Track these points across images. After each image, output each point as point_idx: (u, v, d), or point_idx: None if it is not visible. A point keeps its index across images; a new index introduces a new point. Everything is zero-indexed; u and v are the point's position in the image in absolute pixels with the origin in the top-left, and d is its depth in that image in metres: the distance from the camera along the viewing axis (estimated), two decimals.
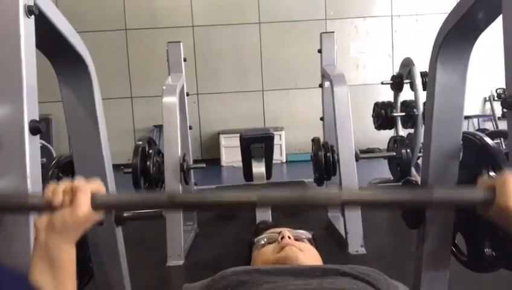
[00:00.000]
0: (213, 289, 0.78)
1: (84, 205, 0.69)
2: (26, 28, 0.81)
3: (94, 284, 1.23)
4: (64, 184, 0.71)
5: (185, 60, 2.45)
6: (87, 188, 0.70)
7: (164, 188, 2.12)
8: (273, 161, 2.98)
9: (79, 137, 1.18)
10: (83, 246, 1.23)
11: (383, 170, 3.26)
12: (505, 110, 0.89)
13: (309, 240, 0.96)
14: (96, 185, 0.72)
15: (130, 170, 2.04)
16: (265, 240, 0.94)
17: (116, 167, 1.46)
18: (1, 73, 0.80)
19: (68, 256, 0.71)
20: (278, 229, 0.95)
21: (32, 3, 0.82)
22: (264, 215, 2.32)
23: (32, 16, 0.82)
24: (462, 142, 1.18)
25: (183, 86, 2.40)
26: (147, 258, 2.05)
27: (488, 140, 1.09)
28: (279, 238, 0.90)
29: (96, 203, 0.70)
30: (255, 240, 0.96)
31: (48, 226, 0.69)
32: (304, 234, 0.96)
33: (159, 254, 2.01)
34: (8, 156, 0.81)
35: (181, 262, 1.97)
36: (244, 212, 2.59)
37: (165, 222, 1.97)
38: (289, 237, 0.90)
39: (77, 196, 0.69)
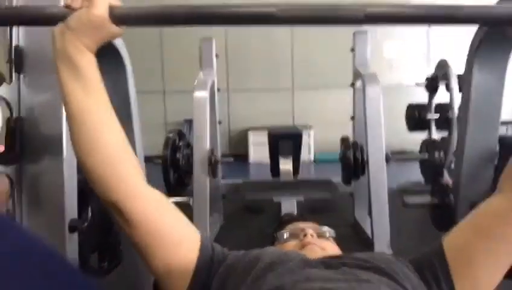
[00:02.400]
0: (244, 261, 0.78)
1: (101, 5, 0.69)
2: None
3: (123, 267, 1.27)
4: None
5: (216, 56, 2.48)
6: None
7: (192, 180, 2.16)
8: (301, 160, 2.97)
9: None
10: (113, 230, 1.27)
11: (415, 174, 3.18)
12: None
13: (333, 237, 0.95)
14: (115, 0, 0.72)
15: (160, 161, 2.09)
16: (287, 234, 0.94)
17: (147, 159, 1.50)
18: (43, 67, 0.83)
19: (87, 59, 0.71)
20: (301, 225, 0.94)
21: None
22: (289, 208, 2.33)
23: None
24: (498, 146, 1.14)
25: (214, 82, 2.43)
26: None
27: None
28: (302, 236, 0.90)
29: (114, 12, 0.70)
30: (278, 234, 0.95)
31: (64, 29, 0.69)
32: (328, 231, 0.95)
33: None
34: None
35: None
36: (268, 210, 2.60)
37: (191, 213, 2.00)
38: (311, 235, 0.89)
39: None
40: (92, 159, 0.71)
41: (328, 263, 0.76)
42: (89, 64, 0.72)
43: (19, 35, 0.80)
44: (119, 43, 1.11)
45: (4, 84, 0.80)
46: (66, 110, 0.72)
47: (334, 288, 0.66)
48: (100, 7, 0.69)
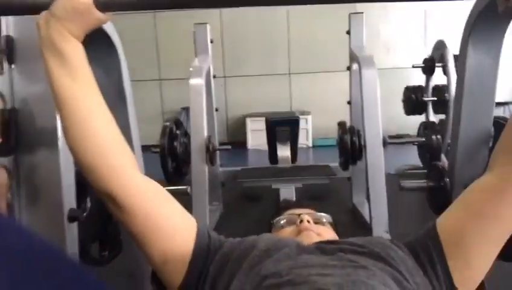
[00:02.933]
0: (240, 248, 0.79)
1: None
2: None
3: (123, 256, 1.28)
4: None
5: (211, 42, 2.46)
6: None
7: (190, 168, 2.16)
8: (299, 146, 2.98)
9: None
10: (112, 221, 1.28)
11: (413, 157, 3.19)
12: None
13: (330, 223, 0.95)
14: None
15: (157, 149, 2.09)
16: (284, 221, 0.94)
17: (145, 148, 1.50)
18: (34, 55, 0.82)
19: (73, 47, 0.70)
20: (298, 211, 0.95)
21: None
22: (287, 195, 2.34)
23: None
24: (493, 127, 1.15)
25: (209, 68, 2.41)
26: None
27: None
28: (298, 221, 0.90)
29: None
30: (275, 220, 0.96)
31: (48, 17, 0.69)
32: (325, 217, 0.95)
33: None
34: None
35: None
36: (267, 197, 2.61)
37: (191, 201, 2.01)
38: (308, 221, 0.90)
39: None
40: (82, 148, 0.71)
41: (323, 248, 0.76)
42: (75, 51, 0.71)
43: (9, 25, 0.79)
44: (110, 30, 1.09)
45: None
46: (54, 98, 0.71)
47: (330, 274, 0.66)
48: None
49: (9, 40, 0.79)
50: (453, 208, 0.79)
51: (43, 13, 0.70)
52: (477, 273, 0.74)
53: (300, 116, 3.38)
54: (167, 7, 0.75)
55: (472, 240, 0.73)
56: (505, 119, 1.16)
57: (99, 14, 0.71)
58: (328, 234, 0.89)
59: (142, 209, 0.73)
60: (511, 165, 0.72)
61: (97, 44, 1.12)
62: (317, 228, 0.89)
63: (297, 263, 0.70)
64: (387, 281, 0.66)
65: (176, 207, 0.78)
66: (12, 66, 0.80)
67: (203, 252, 0.76)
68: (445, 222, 0.77)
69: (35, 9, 0.71)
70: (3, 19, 0.79)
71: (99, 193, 0.73)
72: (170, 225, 0.75)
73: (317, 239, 0.83)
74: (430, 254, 0.74)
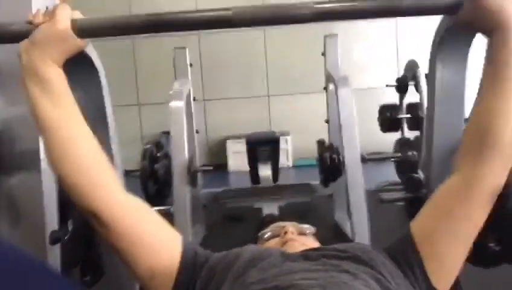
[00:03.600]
0: (224, 260, 0.80)
1: (63, 18, 0.72)
2: None
3: (106, 280, 1.26)
4: (43, 10, 0.74)
5: (191, 66, 2.50)
6: (66, 6, 0.74)
7: (172, 190, 2.15)
8: (280, 166, 3.01)
9: None
10: (94, 244, 1.26)
11: (390, 174, 3.26)
12: None
13: (313, 234, 0.98)
14: (77, 12, 0.75)
15: (137, 173, 2.08)
16: (269, 234, 0.96)
17: (124, 173, 1.49)
18: (14, 76, 0.83)
19: (55, 74, 0.73)
20: (282, 224, 0.97)
21: (44, 8, 0.86)
22: (271, 211, 2.35)
23: None
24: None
25: (189, 91, 2.44)
26: None
27: None
28: (282, 233, 0.92)
29: (76, 24, 0.73)
30: (260, 233, 0.98)
31: (29, 45, 0.72)
32: (308, 228, 0.98)
33: None
34: None
35: None
36: (250, 217, 2.61)
37: (173, 223, 1.99)
38: (292, 232, 0.92)
39: (56, 11, 0.72)
40: (64, 169, 0.73)
41: (307, 255, 0.79)
42: (56, 76, 0.74)
43: None
44: (92, 54, 1.11)
45: None
46: (36, 123, 0.74)
47: (314, 277, 0.68)
48: (62, 21, 0.72)
49: None
50: (424, 210, 0.83)
51: (24, 41, 0.73)
52: (450, 270, 0.78)
53: (280, 137, 3.42)
54: (143, 31, 0.79)
55: (443, 239, 0.76)
56: None
57: (77, 40, 0.75)
58: (312, 244, 0.92)
59: (126, 226, 0.73)
60: (474, 165, 0.77)
61: (78, 68, 1.13)
62: (301, 239, 0.91)
63: (282, 270, 0.72)
64: (370, 283, 0.69)
65: (160, 222, 0.79)
66: None
67: (189, 266, 0.77)
68: (418, 225, 0.81)
69: (16, 38, 0.74)
70: None
71: (83, 210, 0.73)
72: (155, 240, 0.76)
73: (301, 249, 0.85)
74: (407, 257, 0.77)
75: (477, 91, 0.82)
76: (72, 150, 0.72)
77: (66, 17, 0.73)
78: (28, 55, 0.72)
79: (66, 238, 1.03)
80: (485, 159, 0.76)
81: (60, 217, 0.96)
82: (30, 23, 0.72)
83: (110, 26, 0.79)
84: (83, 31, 0.74)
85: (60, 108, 0.73)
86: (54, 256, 0.91)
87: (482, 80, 0.80)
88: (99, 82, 1.15)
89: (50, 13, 0.73)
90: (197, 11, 0.78)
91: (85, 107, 1.24)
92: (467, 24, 0.76)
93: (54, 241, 0.87)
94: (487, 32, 0.77)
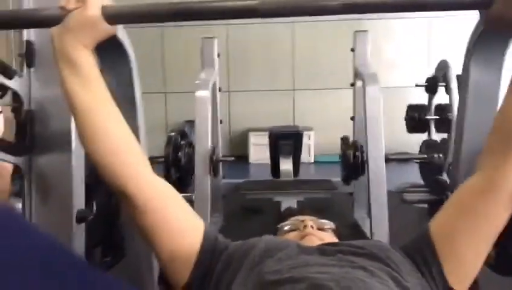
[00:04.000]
0: (241, 249, 0.81)
1: (94, 5, 0.75)
2: None
3: (126, 262, 1.29)
4: None
5: (218, 56, 2.50)
6: None
7: (193, 179, 2.18)
8: (301, 161, 3.00)
9: None
10: (116, 226, 1.29)
11: (414, 175, 3.20)
12: None
13: (333, 230, 0.97)
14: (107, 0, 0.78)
15: (161, 159, 2.11)
16: (288, 226, 0.96)
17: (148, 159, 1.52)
18: (49, 57, 0.86)
19: (86, 58, 0.76)
20: (302, 218, 0.97)
21: None
22: (290, 205, 2.36)
23: None
24: None
25: (215, 81, 2.45)
26: None
27: None
28: (302, 227, 0.92)
29: (106, 11, 0.76)
30: (279, 225, 0.98)
31: (61, 29, 0.75)
32: (328, 224, 0.97)
33: None
34: None
35: None
36: (268, 210, 2.62)
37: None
38: (312, 227, 0.92)
39: None
40: (96, 148, 0.76)
41: (323, 249, 0.79)
42: (87, 61, 0.77)
43: (30, 30, 0.83)
44: (124, 40, 1.13)
45: (15, 77, 0.83)
46: (68, 104, 0.77)
47: (329, 272, 0.68)
48: (93, 8, 0.75)
49: (29, 44, 0.83)
50: (444, 208, 0.81)
51: (57, 26, 0.76)
52: (469, 270, 0.77)
53: (303, 132, 3.40)
54: (171, 19, 0.80)
55: (463, 238, 0.75)
56: None
57: (107, 26, 0.78)
58: (331, 240, 0.91)
59: (153, 206, 0.76)
60: (497, 166, 0.75)
61: (111, 52, 1.15)
62: (320, 234, 0.91)
63: (298, 262, 0.73)
64: (385, 280, 0.68)
65: (185, 207, 0.80)
66: (31, 69, 0.83)
67: (208, 253, 0.78)
68: (437, 224, 0.80)
69: (49, 23, 0.77)
70: None
71: (113, 188, 0.76)
72: (179, 224, 0.78)
73: (319, 243, 0.85)
74: (424, 256, 0.77)
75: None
76: (102, 131, 0.75)
77: (97, 3, 0.76)
78: (60, 40, 0.75)
79: (90, 218, 1.06)
80: (510, 159, 0.74)
81: (85, 198, 0.99)
82: (63, 8, 0.75)
83: (139, 14, 0.82)
84: (113, 17, 0.77)
85: (91, 91, 0.76)
86: (80, 234, 0.94)
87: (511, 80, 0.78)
88: (130, 68, 1.17)
89: (82, 0, 0.76)
90: (224, 0, 0.79)
91: (115, 92, 1.27)
92: (499, 20, 0.72)
93: (80, 220, 0.90)
94: None
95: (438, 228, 0.78)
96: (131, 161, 0.76)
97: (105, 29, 0.78)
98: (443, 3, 0.77)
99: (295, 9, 0.79)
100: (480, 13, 0.73)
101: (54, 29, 0.76)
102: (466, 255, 0.75)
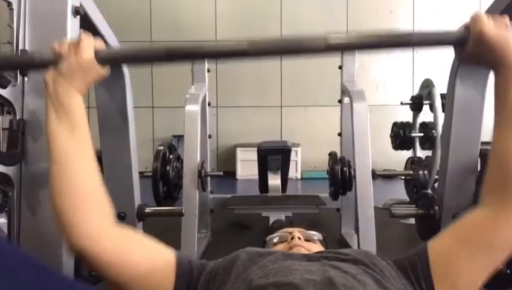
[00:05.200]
0: (224, 262, 0.81)
1: (88, 52, 0.76)
2: (73, 26, 0.88)
3: None
4: (68, 39, 0.78)
5: (208, 71, 2.52)
6: (90, 38, 0.77)
7: (182, 193, 2.16)
8: (288, 177, 3.01)
9: (109, 135, 1.24)
10: None
11: (400, 192, 3.24)
12: None
13: (320, 241, 0.98)
14: (99, 41, 0.79)
15: (150, 173, 2.10)
16: (276, 239, 0.97)
17: None
18: None
19: (77, 103, 0.76)
20: (290, 229, 0.97)
21: (78, 4, 0.89)
22: (278, 218, 2.35)
23: (78, 16, 0.89)
24: (479, 158, 1.20)
25: (205, 96, 2.47)
26: None
27: None
28: (289, 239, 0.93)
29: (100, 55, 0.77)
30: (267, 238, 0.98)
31: (55, 75, 0.75)
32: (315, 234, 0.98)
33: None
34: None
35: None
36: (257, 225, 2.61)
37: (179, 227, 2.00)
38: (299, 238, 0.92)
39: (81, 43, 0.76)
40: (62, 202, 0.73)
41: (308, 256, 0.80)
42: (78, 108, 0.77)
43: (25, 39, 0.83)
44: None
45: (9, 86, 0.82)
46: (48, 150, 0.75)
47: (313, 277, 0.69)
48: (87, 54, 0.76)
49: (23, 53, 0.83)
50: (445, 234, 0.82)
51: (51, 71, 0.76)
52: None
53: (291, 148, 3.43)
54: (162, 62, 0.82)
55: (460, 266, 0.76)
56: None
57: (100, 69, 0.79)
58: (318, 250, 0.92)
59: (118, 257, 0.74)
60: (498, 203, 0.77)
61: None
62: (308, 245, 0.91)
63: (283, 266, 0.73)
64: (369, 283, 0.69)
65: (150, 246, 0.79)
66: (25, 78, 0.83)
67: (185, 279, 0.78)
68: (436, 245, 0.80)
69: (43, 65, 0.78)
70: (20, 32, 0.83)
71: (75, 250, 0.73)
72: (147, 265, 0.77)
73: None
74: (416, 269, 0.78)
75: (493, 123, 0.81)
76: (72, 185, 0.73)
77: (90, 49, 0.77)
78: (54, 85, 0.75)
79: None
80: (510, 196, 0.76)
81: None
82: (56, 54, 0.75)
83: (132, 57, 0.83)
84: (106, 60, 0.78)
85: (76, 138, 0.76)
86: None
87: (494, 116, 0.80)
88: (123, 78, 1.18)
89: (75, 45, 0.76)
90: (215, 42, 0.82)
91: (107, 103, 1.27)
92: (472, 57, 0.78)
93: None
94: (493, 68, 0.79)
95: (437, 248, 0.79)
96: (97, 219, 0.74)
97: (99, 71, 0.79)
98: (421, 41, 0.82)
99: (282, 50, 0.83)
100: (455, 50, 0.78)
101: (49, 74, 0.76)
102: (461, 281, 0.76)
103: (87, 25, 0.96)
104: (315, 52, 0.81)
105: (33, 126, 0.84)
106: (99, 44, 0.79)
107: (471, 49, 0.76)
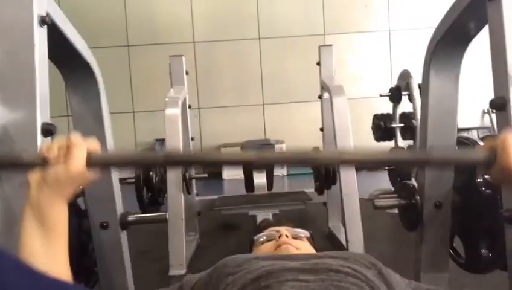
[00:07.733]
0: (215, 275, 0.81)
1: (78, 161, 0.67)
2: (40, 37, 0.85)
3: (99, 287, 1.25)
4: (59, 141, 0.69)
5: (187, 74, 2.51)
6: (83, 145, 0.68)
7: (166, 198, 2.15)
8: (274, 174, 3.01)
9: None
10: (88, 251, 1.25)
11: (384, 182, 3.29)
12: (494, 110, 0.94)
13: (307, 238, 0.99)
14: (92, 143, 0.70)
15: (133, 180, 2.08)
16: (264, 237, 0.97)
17: (118, 181, 1.49)
18: (16, 79, 0.84)
19: (59, 214, 0.68)
20: (277, 228, 0.98)
21: (45, 14, 0.86)
22: (265, 216, 2.35)
23: (45, 26, 0.87)
24: (457, 147, 1.22)
25: (185, 98, 2.45)
26: (149, 268, 2.06)
27: (481, 143, 1.13)
28: (277, 237, 0.93)
29: (92, 161, 0.68)
30: (255, 237, 0.99)
31: (41, 181, 0.67)
32: (303, 232, 0.99)
33: (161, 264, 2.02)
34: None
35: (183, 271, 1.98)
36: (244, 225, 2.62)
37: (167, 232, 1.99)
38: (287, 236, 0.93)
39: (72, 152, 0.67)
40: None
41: (296, 257, 0.80)
42: (59, 219, 0.69)
43: None
44: (91, 59, 1.12)
45: None
46: (20, 250, 0.67)
47: (306, 279, 0.69)
48: (78, 163, 0.67)
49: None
50: None
51: (37, 174, 0.68)
52: None
53: (275, 145, 3.44)
54: (162, 165, 0.73)
55: None
56: (467, 139, 1.24)
57: (89, 174, 0.70)
58: (306, 248, 0.92)
59: None
60: None
61: (78, 73, 1.14)
62: (295, 242, 0.92)
63: (274, 268, 0.73)
64: (359, 284, 0.70)
65: None
66: None
67: None
68: None
69: (28, 167, 0.70)
70: None
71: None
72: None
73: (295, 252, 0.86)
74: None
75: None
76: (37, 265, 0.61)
77: (82, 156, 0.68)
78: (37, 191, 0.67)
79: None
80: None
81: None
82: (44, 159, 0.67)
83: (128, 162, 0.76)
84: (98, 165, 0.70)
85: (50, 248, 0.68)
86: None
87: None
88: (97, 86, 1.16)
89: (65, 151, 0.67)
90: (221, 153, 0.76)
91: (82, 111, 1.25)
92: (499, 178, 0.71)
93: None
94: None
95: None
96: None
97: (87, 177, 0.69)
98: (447, 161, 0.75)
99: (286, 162, 0.78)
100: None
101: (34, 178, 0.68)
102: None
103: (56, 35, 0.93)
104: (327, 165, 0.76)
105: (5, 142, 0.82)
106: (93, 146, 0.69)
107: (498, 172, 0.69)
